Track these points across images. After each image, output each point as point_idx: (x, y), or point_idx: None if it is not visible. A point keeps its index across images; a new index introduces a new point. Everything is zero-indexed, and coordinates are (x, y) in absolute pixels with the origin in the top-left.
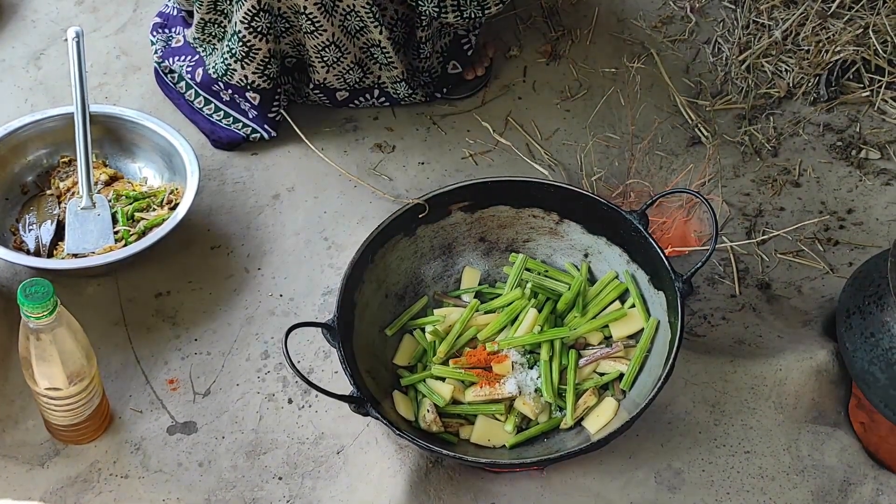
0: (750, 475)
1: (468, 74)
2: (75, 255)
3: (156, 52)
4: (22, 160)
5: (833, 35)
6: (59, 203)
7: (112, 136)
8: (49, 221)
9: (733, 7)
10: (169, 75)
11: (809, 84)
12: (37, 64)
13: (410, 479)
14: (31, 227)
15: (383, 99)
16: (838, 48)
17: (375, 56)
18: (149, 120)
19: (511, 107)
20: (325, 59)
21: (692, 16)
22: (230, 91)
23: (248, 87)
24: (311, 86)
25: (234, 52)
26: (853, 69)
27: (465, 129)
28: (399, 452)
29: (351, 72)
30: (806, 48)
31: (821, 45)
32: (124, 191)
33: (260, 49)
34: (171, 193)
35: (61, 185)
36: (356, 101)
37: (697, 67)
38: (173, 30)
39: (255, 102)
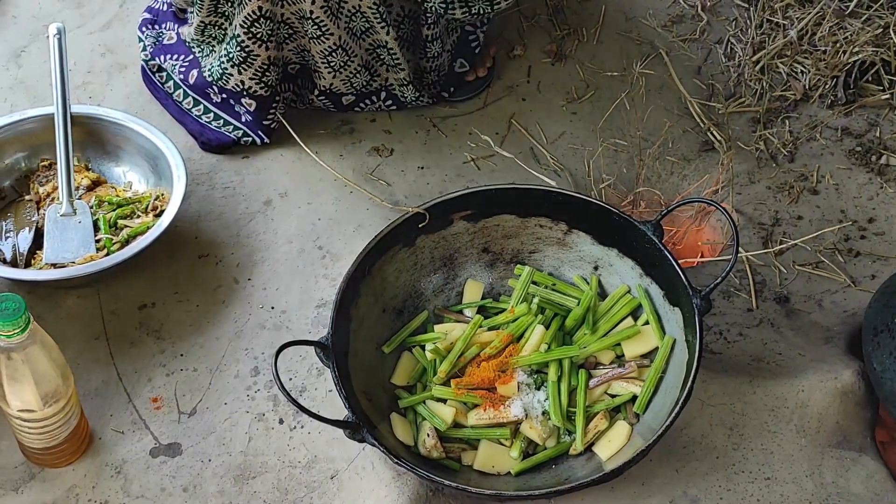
0: (771, 503)
1: (469, 76)
2: (54, 265)
3: (144, 50)
4: None
5: (851, 35)
6: (39, 209)
7: (95, 138)
8: (27, 228)
9: (746, 5)
10: (157, 74)
11: (826, 86)
12: (17, 62)
13: None
14: (8, 235)
15: (390, 102)
16: (856, 49)
17: (382, 57)
18: (134, 121)
19: (514, 109)
20: (332, 63)
21: (703, 14)
22: (224, 95)
23: (245, 93)
24: (317, 92)
25: (231, 56)
26: (872, 71)
27: (467, 132)
28: (397, 479)
29: (358, 75)
30: (823, 49)
31: (838, 45)
32: (107, 196)
33: (258, 56)
34: (156, 199)
35: (41, 190)
36: (362, 105)
37: (709, 68)
38: (164, 26)
39: (251, 109)
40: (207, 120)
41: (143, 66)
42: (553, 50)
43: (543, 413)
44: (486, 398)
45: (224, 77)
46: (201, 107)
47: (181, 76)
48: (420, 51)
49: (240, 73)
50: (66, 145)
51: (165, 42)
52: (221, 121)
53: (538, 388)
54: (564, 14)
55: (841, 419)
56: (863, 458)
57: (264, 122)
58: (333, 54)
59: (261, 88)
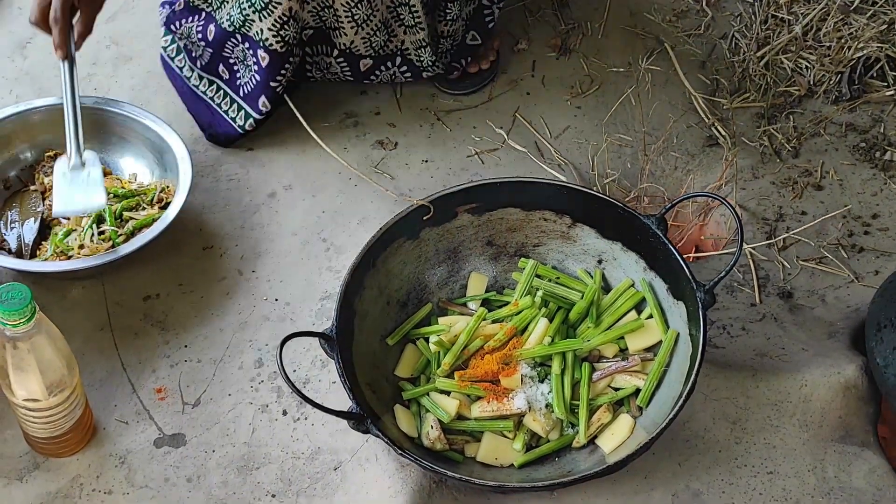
0: (773, 497)
1: (472, 68)
2: (64, 218)
3: (164, 35)
4: (5, 154)
5: (856, 31)
6: (44, 200)
7: (101, 129)
8: (32, 219)
9: (751, 1)
10: (175, 59)
11: (831, 82)
12: (22, 53)
13: (412, 499)
14: (13, 225)
15: (405, 68)
16: (861, 45)
17: (402, 17)
18: (140, 113)
19: (519, 102)
20: (356, 17)
21: (708, 9)
22: (246, 45)
23: (261, 44)
24: (336, 53)
25: (253, 1)
26: (877, 67)
27: (471, 126)
28: (401, 471)
29: (377, 34)
30: (827, 44)
31: (843, 41)
32: (113, 188)
33: (280, 3)
34: (161, 191)
35: (46, 180)
36: (379, 71)
37: (714, 63)
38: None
39: (263, 64)
40: (219, 101)
41: (161, 55)
42: (557, 44)
43: (547, 406)
44: (490, 390)
45: (247, 23)
46: (214, 86)
47: (199, 34)
48: (440, 13)
49: (261, 19)
50: (73, 96)
51: (176, 9)
52: (228, 100)
53: (542, 381)
54: (569, 8)
55: (843, 414)
56: (865, 452)
57: (272, 84)
58: (358, 6)
59: (277, 42)
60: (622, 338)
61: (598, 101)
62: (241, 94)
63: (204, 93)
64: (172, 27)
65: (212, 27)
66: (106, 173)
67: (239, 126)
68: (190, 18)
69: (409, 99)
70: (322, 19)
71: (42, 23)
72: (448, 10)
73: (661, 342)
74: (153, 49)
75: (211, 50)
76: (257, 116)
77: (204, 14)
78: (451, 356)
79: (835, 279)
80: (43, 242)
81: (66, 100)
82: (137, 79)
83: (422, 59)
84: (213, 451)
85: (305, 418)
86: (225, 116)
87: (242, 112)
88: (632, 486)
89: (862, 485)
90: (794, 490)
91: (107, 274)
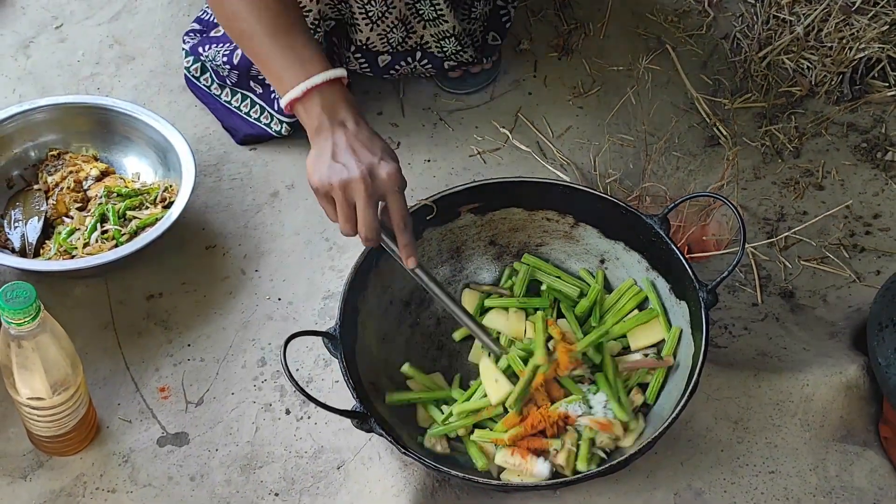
0: (774, 497)
1: (474, 68)
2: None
3: (186, 56)
4: (8, 153)
5: (858, 31)
6: (47, 199)
7: (104, 129)
8: (36, 218)
9: (753, 1)
10: (201, 78)
11: (833, 82)
12: (26, 52)
13: (415, 498)
14: (16, 224)
15: (426, 61)
16: (863, 45)
17: (422, 12)
18: (143, 113)
19: (521, 103)
20: (370, 13)
21: (709, 9)
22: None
23: None
24: (353, 49)
25: None
26: (878, 67)
27: (474, 126)
28: (404, 469)
29: (394, 30)
30: (829, 45)
31: (845, 41)
32: (116, 187)
33: (311, 10)
34: (164, 191)
35: (49, 179)
36: (398, 66)
37: (715, 64)
38: (213, 31)
39: None
40: (246, 111)
41: (186, 76)
42: (559, 44)
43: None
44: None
45: None
46: (248, 101)
47: (225, 59)
48: (464, 11)
49: None
50: (454, 301)
51: (212, 34)
52: (266, 113)
53: (595, 394)
54: (571, 8)
55: (845, 414)
56: (867, 452)
57: None
58: (371, 3)
59: None
60: (624, 336)
61: (600, 102)
62: (276, 107)
63: (237, 108)
64: (199, 50)
65: (238, 52)
66: (109, 172)
67: (275, 131)
68: (220, 44)
69: (411, 99)
70: (340, 12)
71: (375, 238)
72: (474, 8)
73: (664, 340)
74: (156, 48)
75: (237, 72)
76: (291, 121)
77: (229, 42)
78: (516, 401)
79: (836, 279)
80: (46, 241)
81: (453, 310)
82: (140, 78)
83: (445, 49)
84: (217, 449)
85: (308, 417)
86: (258, 124)
87: (276, 119)
88: (634, 485)
89: (863, 484)
90: (796, 489)
91: (110, 273)
